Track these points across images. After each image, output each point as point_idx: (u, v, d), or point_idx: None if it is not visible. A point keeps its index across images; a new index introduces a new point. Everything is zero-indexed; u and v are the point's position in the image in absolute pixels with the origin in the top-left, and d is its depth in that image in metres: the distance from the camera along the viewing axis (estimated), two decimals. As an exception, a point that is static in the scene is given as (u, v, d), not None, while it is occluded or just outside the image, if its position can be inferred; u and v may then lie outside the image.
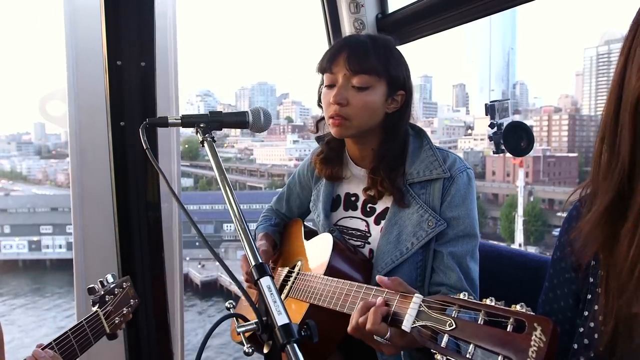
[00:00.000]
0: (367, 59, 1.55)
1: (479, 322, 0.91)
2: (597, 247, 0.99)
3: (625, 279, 0.93)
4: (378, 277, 1.23)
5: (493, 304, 0.91)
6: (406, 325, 1.06)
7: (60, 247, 42.35)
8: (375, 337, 1.17)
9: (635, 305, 0.91)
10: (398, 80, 1.59)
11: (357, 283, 1.35)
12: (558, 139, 44.45)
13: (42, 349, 1.28)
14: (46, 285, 36.98)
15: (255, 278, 1.04)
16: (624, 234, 0.92)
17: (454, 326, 0.95)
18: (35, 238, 42.45)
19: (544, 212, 33.23)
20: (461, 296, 0.98)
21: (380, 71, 1.55)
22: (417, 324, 1.04)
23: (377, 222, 1.67)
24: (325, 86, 1.61)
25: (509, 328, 0.86)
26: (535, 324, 0.83)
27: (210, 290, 34.32)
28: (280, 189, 2.09)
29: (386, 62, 1.56)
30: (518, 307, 0.87)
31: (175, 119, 1.36)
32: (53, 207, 44.40)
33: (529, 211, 33.67)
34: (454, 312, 0.97)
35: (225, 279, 33.95)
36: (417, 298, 1.08)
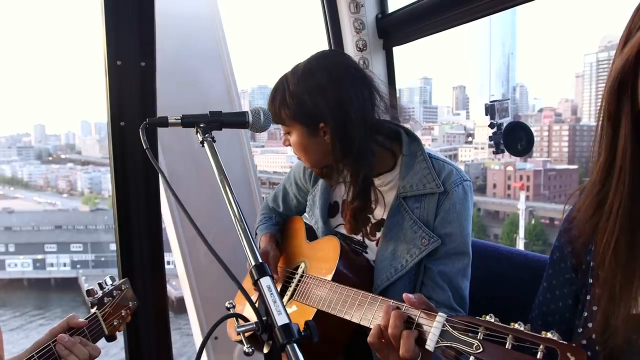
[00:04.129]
0: (272, 111, 1.61)
1: (506, 347, 0.89)
2: (586, 238, 1.00)
3: (600, 272, 0.95)
4: (405, 296, 1.17)
5: (521, 328, 0.89)
6: (430, 345, 1.04)
7: (64, 265, 42.30)
8: None
9: (615, 301, 0.92)
10: (309, 118, 1.56)
11: (370, 294, 1.33)
12: (558, 149, 44.47)
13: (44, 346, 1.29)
14: (51, 303, 36.98)
15: (255, 278, 1.04)
16: (600, 228, 0.94)
17: (481, 349, 0.92)
18: (39, 256, 42.39)
19: (545, 231, 33.35)
20: (487, 318, 0.95)
21: (284, 119, 1.60)
22: (442, 344, 1.01)
23: (372, 234, 1.65)
24: None
25: (539, 355, 0.84)
26: (568, 354, 0.81)
27: (185, 305, 34.17)
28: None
29: (286, 110, 1.58)
30: (549, 335, 0.85)
31: (176, 119, 1.36)
32: (57, 225, 44.44)
33: (530, 230, 33.88)
34: (480, 334, 0.94)
35: None
36: (440, 317, 1.05)
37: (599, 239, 0.94)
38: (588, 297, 1.03)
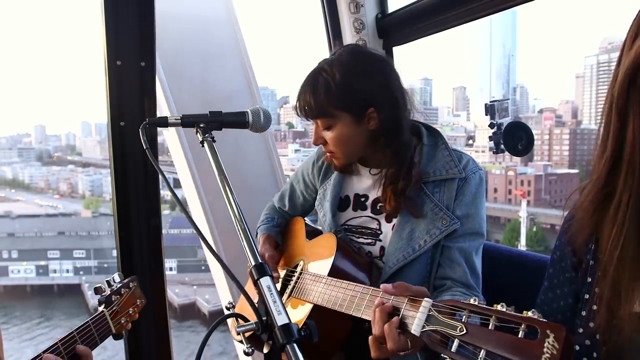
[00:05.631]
0: (311, 104, 1.57)
1: (489, 328, 0.90)
2: (588, 235, 1.00)
3: (607, 267, 0.94)
4: (382, 286, 1.20)
5: (504, 309, 0.90)
6: (416, 330, 1.05)
7: (67, 271, 42.29)
8: (400, 353, 1.14)
9: (622, 298, 0.92)
10: (357, 104, 1.56)
11: (362, 285, 1.35)
12: (559, 152, 44.54)
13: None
14: (54, 310, 37.02)
15: (255, 278, 1.04)
16: (605, 224, 0.93)
17: (464, 331, 0.94)
18: (42, 262, 42.33)
19: (546, 237, 33.49)
20: (472, 301, 0.96)
21: (329, 110, 1.56)
22: (427, 328, 1.03)
23: (388, 220, 1.67)
24: None
25: (520, 334, 0.85)
26: (547, 331, 0.82)
27: (188, 313, 34.48)
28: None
29: (331, 98, 1.54)
30: (530, 314, 0.86)
31: (175, 119, 1.36)
32: (60, 231, 44.52)
33: (531, 237, 34.07)
34: (464, 317, 0.96)
35: (203, 303, 34.53)
36: (426, 302, 1.06)
37: (606, 234, 0.93)
38: (587, 297, 1.03)
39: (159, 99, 2.74)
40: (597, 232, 0.98)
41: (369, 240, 1.69)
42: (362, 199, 1.74)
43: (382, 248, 1.65)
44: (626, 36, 0.91)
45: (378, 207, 1.69)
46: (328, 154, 1.68)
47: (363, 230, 1.71)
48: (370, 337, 1.20)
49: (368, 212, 1.71)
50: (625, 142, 0.89)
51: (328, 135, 1.61)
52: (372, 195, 1.71)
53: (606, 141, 0.93)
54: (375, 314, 1.16)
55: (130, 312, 1.53)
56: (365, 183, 1.74)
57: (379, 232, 1.68)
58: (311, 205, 1.95)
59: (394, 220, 1.64)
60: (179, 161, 2.88)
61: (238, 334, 1.08)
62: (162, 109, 2.81)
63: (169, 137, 3.01)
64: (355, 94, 1.55)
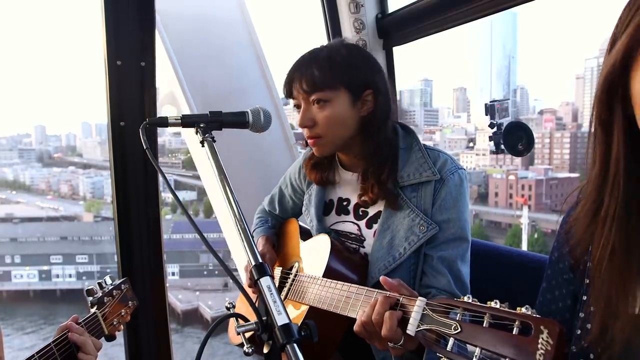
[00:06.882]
0: (314, 76, 1.52)
1: (484, 325, 0.90)
2: (585, 248, 0.99)
3: (596, 279, 0.94)
4: (382, 278, 1.20)
5: (498, 306, 0.90)
6: (411, 329, 1.04)
7: (70, 276, 42.42)
8: (389, 343, 1.14)
9: (612, 307, 0.92)
10: (358, 82, 1.54)
11: (357, 285, 1.33)
12: (560, 156, 44.55)
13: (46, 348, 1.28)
14: (57, 315, 36.86)
15: (255, 278, 1.04)
16: (597, 234, 0.93)
17: (459, 329, 0.93)
18: (45, 267, 42.50)
19: (547, 242, 33.59)
20: (465, 299, 0.96)
21: (332, 82, 1.53)
22: (422, 327, 1.02)
23: (368, 226, 1.65)
24: (295, 106, 1.63)
25: (514, 331, 0.85)
26: (541, 327, 0.82)
27: (191, 319, 34.61)
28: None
29: (336, 70, 1.52)
30: (523, 310, 0.86)
31: (176, 119, 1.36)
32: (62, 236, 44.68)
33: (532, 242, 34.19)
34: (458, 315, 0.95)
35: (206, 309, 34.73)
36: (420, 301, 1.06)
37: (595, 247, 0.93)
38: (584, 298, 1.02)
39: (178, 98, 2.76)
40: (591, 243, 0.98)
41: (354, 246, 1.68)
42: (345, 203, 1.72)
43: (365, 254, 1.64)
44: (607, 46, 0.89)
45: (360, 213, 1.67)
46: (311, 139, 1.60)
47: (347, 234, 1.70)
48: (357, 329, 1.21)
49: (351, 217, 1.70)
50: (611, 154, 0.89)
51: (320, 114, 1.54)
52: (354, 200, 1.69)
53: (595, 154, 0.92)
54: (377, 302, 1.15)
55: (122, 313, 1.53)
56: (347, 187, 1.72)
57: (362, 238, 1.66)
58: (300, 209, 1.92)
59: (375, 227, 1.62)
60: (200, 161, 2.86)
61: (238, 334, 1.08)
62: (182, 108, 2.83)
63: (188, 137, 2.99)
64: (358, 71, 1.54)
